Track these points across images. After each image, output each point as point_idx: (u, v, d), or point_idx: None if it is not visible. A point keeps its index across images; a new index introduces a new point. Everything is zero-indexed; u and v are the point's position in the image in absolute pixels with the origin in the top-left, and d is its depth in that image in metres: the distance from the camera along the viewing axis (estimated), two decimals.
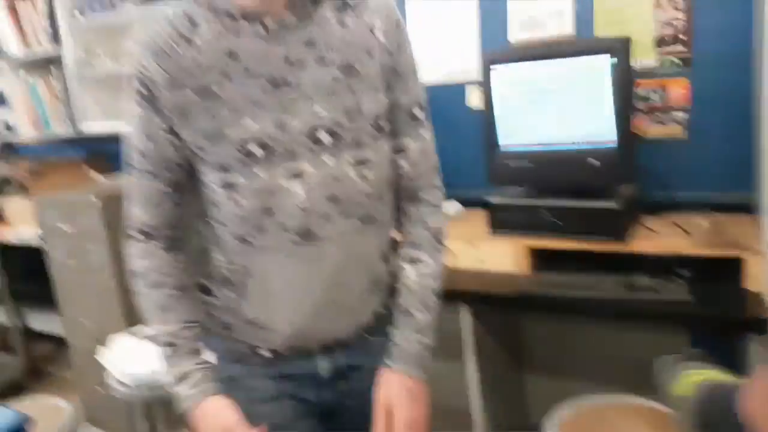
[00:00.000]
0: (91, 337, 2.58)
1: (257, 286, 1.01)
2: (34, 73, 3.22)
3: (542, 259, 1.83)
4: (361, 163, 0.98)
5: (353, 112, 0.96)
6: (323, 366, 1.07)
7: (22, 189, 3.07)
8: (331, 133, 0.95)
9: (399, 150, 1.06)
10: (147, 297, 1.05)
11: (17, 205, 3.09)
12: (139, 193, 1.01)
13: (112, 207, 2.50)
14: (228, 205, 0.97)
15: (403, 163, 1.06)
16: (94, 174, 3.22)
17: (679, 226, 1.73)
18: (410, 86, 1.05)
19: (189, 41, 0.92)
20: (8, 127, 3.43)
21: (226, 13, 0.92)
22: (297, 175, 0.94)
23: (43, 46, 3.09)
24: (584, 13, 1.98)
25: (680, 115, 1.91)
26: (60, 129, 3.20)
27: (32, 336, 3.60)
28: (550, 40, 2.03)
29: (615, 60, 1.67)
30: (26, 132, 3.33)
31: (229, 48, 0.92)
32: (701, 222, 1.64)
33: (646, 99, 1.93)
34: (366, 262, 1.04)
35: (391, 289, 1.11)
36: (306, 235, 0.97)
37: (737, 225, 1.68)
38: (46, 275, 2.80)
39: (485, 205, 1.95)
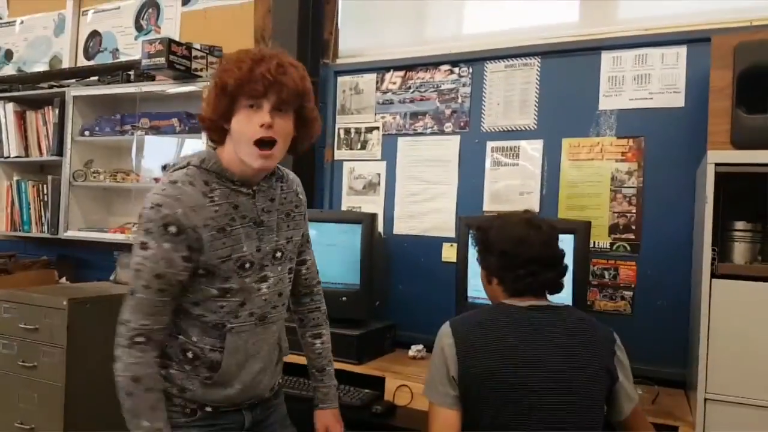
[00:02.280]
0: None
1: (227, 357, 1.37)
2: (26, 176, 3.34)
3: None
4: (290, 271, 1.51)
5: (291, 240, 1.49)
6: (248, 417, 1.47)
7: None
8: (282, 252, 1.46)
9: (302, 262, 1.62)
10: (140, 398, 1.28)
11: None
12: (148, 305, 1.28)
13: (78, 312, 2.53)
14: (218, 302, 1.35)
15: (304, 270, 1.64)
16: (60, 277, 3.24)
17: None
18: (307, 224, 1.62)
19: (211, 199, 1.33)
20: None
21: (230, 180, 1.36)
22: (263, 279, 1.41)
23: (43, 155, 3.24)
24: (550, 196, 2.31)
25: (627, 293, 2.17)
26: (36, 230, 3.26)
27: None
28: None
29: (577, 239, 1.95)
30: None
31: (234, 202, 1.36)
32: (640, 392, 1.81)
33: (600, 275, 2.20)
34: (280, 338, 1.53)
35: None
36: (262, 318, 1.42)
37: (672, 397, 1.88)
38: None
39: None
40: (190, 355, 1.37)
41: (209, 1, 3.11)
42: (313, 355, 1.64)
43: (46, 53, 3.65)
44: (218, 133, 1.36)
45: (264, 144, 1.29)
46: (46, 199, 3.23)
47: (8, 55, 3.82)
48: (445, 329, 1.47)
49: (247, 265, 1.37)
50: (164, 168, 1.30)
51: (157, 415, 1.29)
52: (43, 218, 3.24)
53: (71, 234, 3.10)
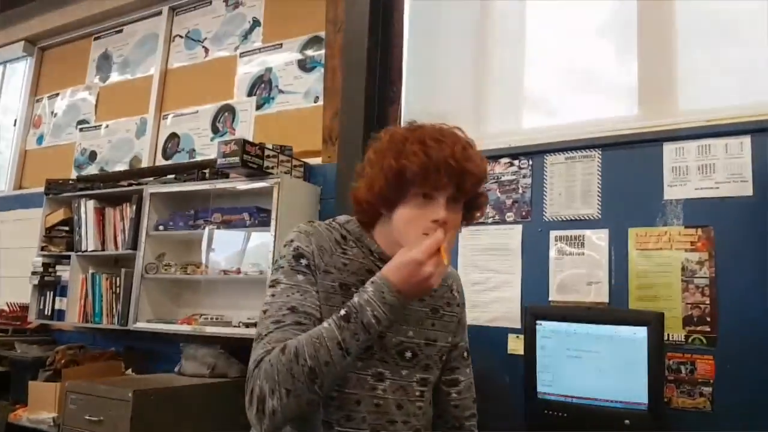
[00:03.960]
0: None
1: None
2: (101, 269, 3.50)
3: None
4: (423, 383, 1.24)
5: (431, 343, 1.25)
6: None
7: (55, 374, 3.12)
8: (413, 354, 1.22)
9: (452, 383, 1.34)
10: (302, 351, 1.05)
11: (43, 390, 3.11)
12: (279, 338, 1.07)
13: (142, 404, 2.55)
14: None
15: (454, 393, 1.34)
16: (126, 369, 3.31)
17: None
18: (466, 334, 1.39)
19: (344, 250, 1.20)
20: (56, 313, 3.60)
21: (369, 249, 1.22)
22: (379, 377, 1.17)
23: (118, 249, 3.42)
24: (619, 286, 2.27)
25: (705, 389, 2.07)
26: (106, 322, 3.37)
27: None
28: (588, 305, 2.29)
29: (650, 331, 1.90)
30: (71, 319, 3.50)
31: (369, 267, 1.19)
32: None
33: (676, 370, 2.11)
34: None
35: None
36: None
37: None
38: None
39: None
40: None
41: (282, 105, 3.34)
42: None
43: (127, 154, 3.94)
44: (370, 216, 1.21)
45: None
46: (118, 291, 3.35)
47: (92, 156, 4.14)
48: None
49: (367, 349, 1.13)
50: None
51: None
52: (114, 310, 3.35)
53: (140, 325, 3.19)
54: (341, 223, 1.24)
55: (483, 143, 2.73)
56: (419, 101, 3.00)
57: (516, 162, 2.59)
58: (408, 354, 1.20)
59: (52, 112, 4.50)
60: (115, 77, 4.19)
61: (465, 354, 1.38)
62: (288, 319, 1.09)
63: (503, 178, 2.61)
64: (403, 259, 1.05)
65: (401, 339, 1.19)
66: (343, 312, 1.04)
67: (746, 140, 2.14)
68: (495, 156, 2.63)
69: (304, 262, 1.15)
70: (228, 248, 3.17)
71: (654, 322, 1.93)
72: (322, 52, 3.20)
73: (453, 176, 1.09)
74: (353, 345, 1.02)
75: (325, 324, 1.04)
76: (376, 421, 1.15)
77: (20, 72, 4.82)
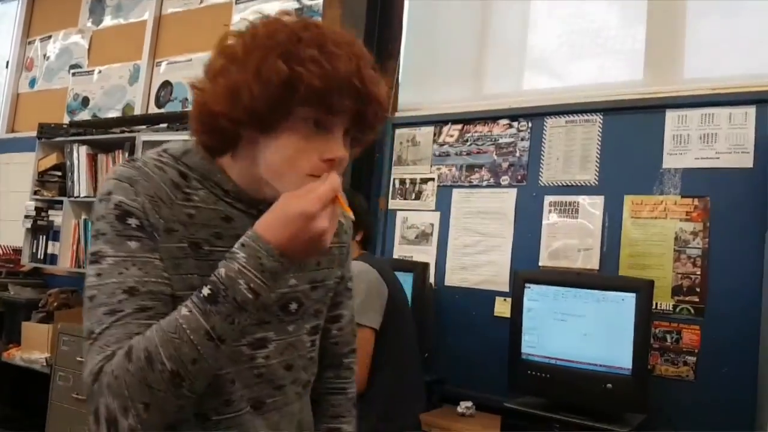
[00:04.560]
0: None
1: None
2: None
3: None
4: (314, 331, 1.00)
5: (319, 285, 0.99)
6: None
7: (48, 317, 3.15)
8: (299, 303, 0.96)
9: (334, 319, 1.09)
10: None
11: (36, 331, 3.14)
12: (120, 335, 0.77)
13: None
14: None
15: (335, 330, 1.09)
16: None
17: None
18: (349, 262, 1.12)
19: (186, 195, 0.86)
20: (49, 257, 3.61)
21: (220, 187, 0.88)
22: (260, 343, 0.91)
23: None
24: (610, 254, 2.26)
25: (690, 358, 2.07)
26: None
27: None
28: (578, 270, 2.28)
29: (639, 298, 1.89)
30: (63, 264, 3.50)
31: (225, 213, 0.88)
32: None
33: (661, 338, 2.12)
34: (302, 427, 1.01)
35: None
36: (257, 406, 0.91)
37: None
38: (34, 405, 2.77)
39: (501, 410, 2.03)
40: None
41: None
42: None
43: (120, 101, 3.87)
44: (223, 140, 0.85)
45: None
46: None
47: (85, 101, 4.06)
48: None
49: None
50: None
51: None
52: None
53: None
54: (176, 156, 0.88)
55: (482, 104, 2.72)
56: (418, 58, 2.93)
57: (515, 124, 2.54)
58: (293, 306, 0.94)
59: (44, 56, 4.40)
60: (108, 21, 4.07)
61: (349, 284, 1.12)
62: (127, 306, 0.78)
63: (501, 141, 2.56)
64: (288, 212, 0.77)
65: (282, 291, 0.92)
66: (206, 291, 0.76)
67: (751, 110, 2.09)
68: (493, 117, 2.59)
69: (133, 222, 0.81)
70: None
71: (643, 289, 1.92)
72: (320, 1, 3.10)
73: (356, 101, 0.81)
74: (227, 331, 0.76)
75: (183, 310, 0.76)
76: (258, 393, 0.91)
77: (11, 13, 4.69)
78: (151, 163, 0.85)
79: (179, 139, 3.30)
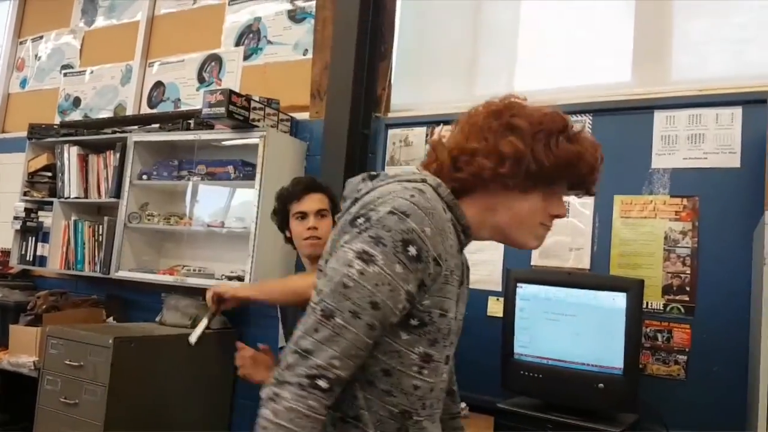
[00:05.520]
0: None
1: None
2: (84, 217, 3.47)
3: None
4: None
5: (462, 315, 1.13)
6: None
7: (36, 319, 3.12)
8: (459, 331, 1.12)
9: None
10: None
11: (24, 334, 3.11)
12: (349, 342, 0.89)
13: (123, 351, 2.56)
14: (415, 378, 0.99)
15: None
16: (107, 316, 3.31)
17: None
18: None
19: (453, 231, 1.02)
20: (38, 259, 3.59)
21: (457, 220, 1.04)
22: (446, 360, 1.06)
23: (101, 197, 3.38)
24: (601, 253, 2.28)
25: (681, 357, 2.09)
26: (88, 270, 3.35)
27: None
28: (569, 270, 2.29)
29: (629, 298, 1.91)
30: (53, 266, 3.48)
31: (457, 247, 1.04)
32: None
33: (653, 338, 2.13)
34: None
35: None
36: (431, 416, 1.07)
37: None
38: (22, 408, 2.74)
39: (494, 411, 2.03)
40: None
41: (270, 57, 3.26)
42: None
43: (112, 101, 3.86)
44: (471, 185, 1.04)
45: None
46: (100, 239, 3.33)
47: (76, 102, 4.05)
48: None
49: (448, 333, 1.03)
50: (372, 177, 1.05)
51: None
52: (97, 258, 3.33)
53: (122, 274, 3.18)
54: (435, 188, 1.02)
55: (473, 104, 2.71)
56: (411, 59, 2.94)
57: None
58: (458, 334, 1.10)
59: (36, 56, 4.38)
60: (100, 21, 4.06)
61: None
62: (365, 316, 0.89)
63: None
64: None
65: (460, 320, 1.09)
66: None
67: (738, 111, 2.12)
68: None
69: (412, 251, 0.92)
70: (213, 201, 3.14)
71: (634, 288, 1.94)
72: (313, 2, 3.11)
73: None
74: None
75: None
76: (438, 406, 1.08)
77: (3, 13, 4.67)
78: (434, 196, 0.99)
79: (171, 139, 3.21)
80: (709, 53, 2.25)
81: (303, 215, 2.04)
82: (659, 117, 2.24)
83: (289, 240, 2.13)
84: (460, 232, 1.04)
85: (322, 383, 0.87)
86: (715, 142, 2.14)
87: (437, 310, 0.98)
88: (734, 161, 2.10)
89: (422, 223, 0.93)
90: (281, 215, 2.10)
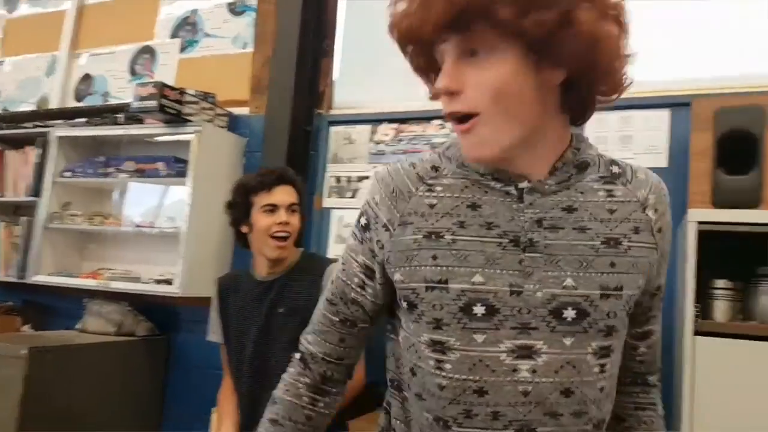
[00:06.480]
0: None
1: None
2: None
3: None
4: (602, 353, 0.80)
5: (613, 292, 0.80)
6: None
7: None
8: (580, 312, 0.78)
9: (642, 335, 0.94)
10: (261, 425, 0.96)
11: None
12: (317, 318, 0.96)
13: (39, 362, 2.36)
14: (430, 372, 0.80)
15: (643, 347, 0.95)
16: (23, 324, 3.07)
17: None
18: (665, 268, 0.91)
19: (430, 187, 0.85)
20: None
21: (477, 172, 0.84)
22: (526, 352, 0.77)
23: (19, 196, 3.15)
24: None
25: None
26: (2, 274, 3.11)
27: None
28: None
29: None
30: None
31: (473, 201, 0.82)
32: None
33: None
34: None
35: None
36: None
37: None
38: None
39: None
40: None
41: (207, 50, 3.13)
42: None
43: (34, 94, 3.61)
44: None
45: None
46: (17, 241, 3.09)
47: None
48: None
49: (483, 311, 0.77)
50: None
51: None
52: (12, 261, 3.09)
53: (40, 279, 2.95)
54: (442, 151, 0.90)
55: (416, 104, 2.69)
56: (354, 56, 2.89)
57: (447, 125, 2.52)
58: (570, 313, 0.78)
59: None
60: (24, 9, 3.82)
61: (662, 296, 0.93)
62: (328, 293, 0.95)
63: (434, 140, 2.58)
64: None
65: (552, 292, 0.78)
66: None
67: (665, 114, 2.21)
68: (426, 117, 2.59)
69: (363, 221, 0.90)
70: (143, 200, 2.98)
71: None
72: None
73: None
74: None
75: None
76: (525, 417, 0.76)
77: None
78: (409, 161, 0.90)
79: (97, 134, 3.04)
80: (638, 61, 2.28)
81: (273, 208, 1.85)
82: (592, 119, 2.24)
83: (242, 237, 1.94)
84: (483, 176, 0.83)
85: (299, 356, 0.97)
86: (644, 144, 2.23)
87: (421, 284, 0.80)
88: (661, 161, 2.19)
89: (372, 191, 0.90)
90: (241, 208, 1.88)
